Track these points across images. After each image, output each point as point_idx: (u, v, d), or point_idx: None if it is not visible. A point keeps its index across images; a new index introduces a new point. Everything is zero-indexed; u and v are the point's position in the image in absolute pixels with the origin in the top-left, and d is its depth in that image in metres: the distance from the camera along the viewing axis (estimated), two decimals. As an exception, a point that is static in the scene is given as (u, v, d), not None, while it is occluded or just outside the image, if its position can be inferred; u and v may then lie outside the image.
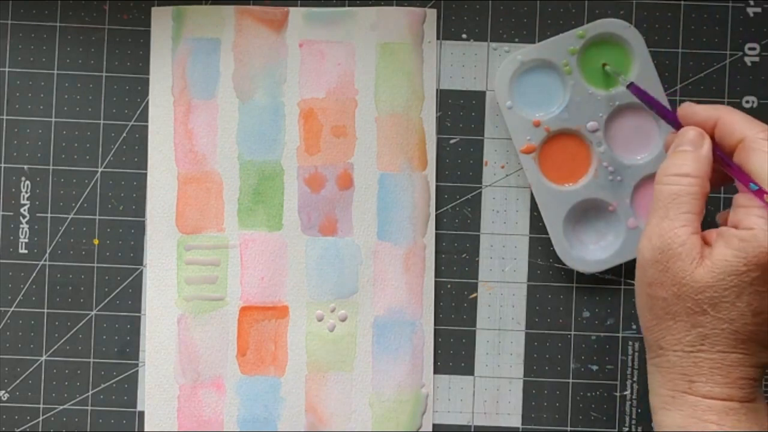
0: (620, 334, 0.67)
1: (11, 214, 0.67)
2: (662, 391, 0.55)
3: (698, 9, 0.67)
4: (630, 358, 0.67)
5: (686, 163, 0.56)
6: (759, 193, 0.53)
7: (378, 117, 0.67)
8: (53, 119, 0.67)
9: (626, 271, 0.67)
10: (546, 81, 0.66)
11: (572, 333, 0.67)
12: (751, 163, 0.54)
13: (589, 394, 0.67)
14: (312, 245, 0.67)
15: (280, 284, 0.67)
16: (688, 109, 0.58)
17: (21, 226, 0.67)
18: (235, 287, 0.67)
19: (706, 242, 0.55)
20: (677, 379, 0.55)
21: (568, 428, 0.67)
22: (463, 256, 0.68)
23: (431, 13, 0.67)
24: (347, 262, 0.67)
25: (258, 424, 0.67)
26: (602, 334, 0.67)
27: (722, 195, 0.68)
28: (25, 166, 0.67)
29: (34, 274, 0.67)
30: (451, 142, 0.68)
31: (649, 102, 0.62)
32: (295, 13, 0.67)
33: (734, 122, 0.56)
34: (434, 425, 0.67)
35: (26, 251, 0.67)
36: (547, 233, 0.66)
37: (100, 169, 0.67)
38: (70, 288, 0.67)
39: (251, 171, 0.67)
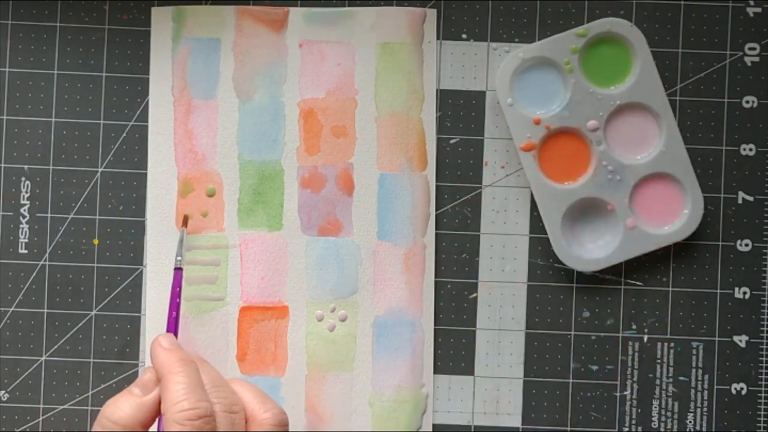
0: (620, 334, 0.67)
1: (11, 214, 0.67)
2: None
3: (698, 9, 0.67)
4: (630, 358, 0.67)
5: (124, 408, 0.56)
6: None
7: (378, 117, 0.67)
8: (53, 119, 0.67)
9: (626, 271, 0.67)
10: (547, 79, 0.66)
11: (572, 333, 0.67)
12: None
13: (589, 394, 0.67)
14: (312, 245, 0.67)
15: (280, 284, 0.67)
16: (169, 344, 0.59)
17: (21, 226, 0.67)
18: (235, 287, 0.67)
19: None
20: None
21: (568, 428, 0.67)
22: (463, 256, 0.68)
23: (431, 13, 0.67)
24: (347, 262, 0.67)
25: (258, 424, 0.67)
26: (602, 334, 0.67)
27: (722, 195, 0.68)
28: (25, 166, 0.67)
29: (34, 274, 0.67)
30: (451, 142, 0.68)
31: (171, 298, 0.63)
32: (295, 13, 0.67)
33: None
34: (434, 425, 0.67)
35: (26, 251, 0.67)
36: (546, 233, 0.66)
37: (100, 169, 0.67)
38: (70, 288, 0.67)
39: (251, 171, 0.67)
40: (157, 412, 0.57)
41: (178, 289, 0.63)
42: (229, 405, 0.56)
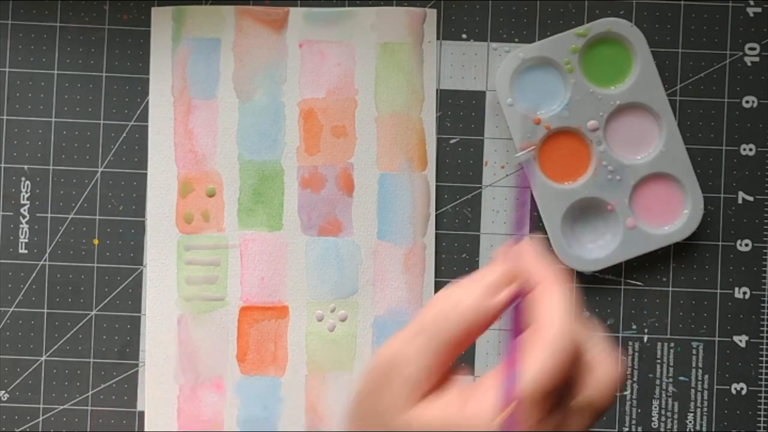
0: (620, 334, 0.67)
1: (11, 214, 0.67)
2: None
3: (698, 9, 0.67)
4: (630, 358, 0.67)
5: (472, 300, 0.45)
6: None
7: (378, 117, 0.67)
8: (53, 119, 0.67)
9: (626, 270, 0.67)
10: (547, 79, 0.66)
11: (572, 333, 0.67)
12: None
13: (589, 394, 0.67)
14: (312, 245, 0.67)
15: (280, 284, 0.67)
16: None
17: (21, 226, 0.67)
18: (235, 287, 0.67)
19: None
20: None
21: (568, 428, 0.67)
22: (463, 256, 0.68)
23: (431, 13, 0.67)
24: (347, 262, 0.67)
25: (258, 424, 0.66)
26: (602, 334, 0.67)
27: (722, 195, 0.68)
28: (25, 166, 0.67)
29: (34, 274, 0.67)
30: (451, 142, 0.68)
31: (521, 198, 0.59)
32: (295, 13, 0.67)
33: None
34: (434, 425, 0.67)
35: (26, 251, 0.67)
36: (546, 233, 0.66)
37: (100, 169, 0.67)
38: (70, 288, 0.67)
39: (251, 171, 0.67)
40: (494, 319, 0.46)
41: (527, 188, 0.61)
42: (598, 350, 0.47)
